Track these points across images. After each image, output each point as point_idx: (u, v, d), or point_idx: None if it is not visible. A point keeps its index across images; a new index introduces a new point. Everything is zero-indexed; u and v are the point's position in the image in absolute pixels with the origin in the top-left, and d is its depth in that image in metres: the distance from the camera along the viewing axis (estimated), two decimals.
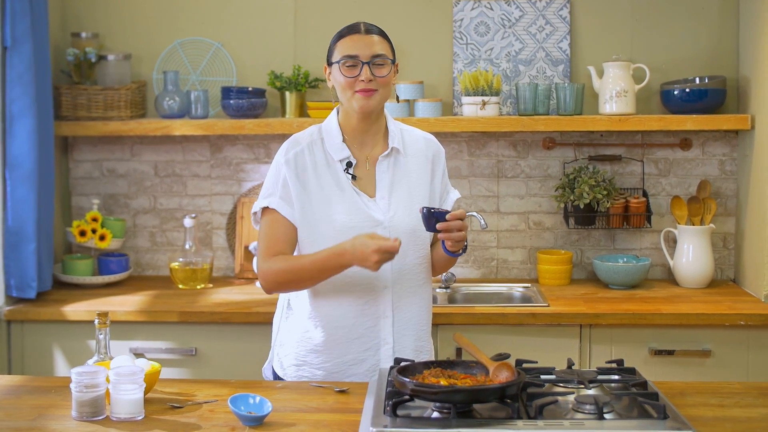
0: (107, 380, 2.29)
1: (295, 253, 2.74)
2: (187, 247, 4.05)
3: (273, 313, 2.92)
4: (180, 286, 4.03)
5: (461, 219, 2.57)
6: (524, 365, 2.47)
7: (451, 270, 3.80)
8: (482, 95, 3.96)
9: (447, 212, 2.56)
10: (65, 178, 4.27)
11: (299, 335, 2.75)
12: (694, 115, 3.91)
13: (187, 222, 4.05)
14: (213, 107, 4.20)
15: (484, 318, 3.56)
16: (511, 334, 3.56)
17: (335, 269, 2.60)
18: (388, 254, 2.51)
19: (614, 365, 2.52)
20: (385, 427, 2.09)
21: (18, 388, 2.57)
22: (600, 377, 2.42)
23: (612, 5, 4.13)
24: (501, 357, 2.39)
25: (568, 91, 3.97)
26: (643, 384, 2.36)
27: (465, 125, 3.95)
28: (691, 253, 3.95)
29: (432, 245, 2.81)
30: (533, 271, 4.20)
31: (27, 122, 3.70)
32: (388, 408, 2.18)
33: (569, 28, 4.12)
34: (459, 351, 3.46)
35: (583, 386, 2.33)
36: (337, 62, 2.66)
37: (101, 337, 2.48)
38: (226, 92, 4.06)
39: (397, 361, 2.46)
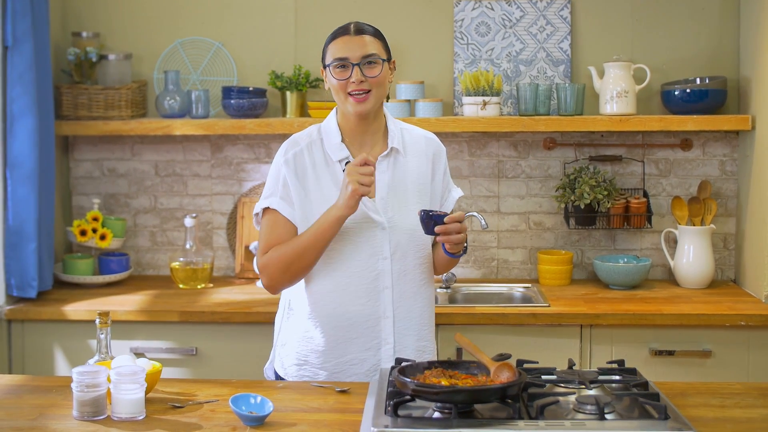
0: (108, 380, 2.29)
1: None
2: (187, 246, 4.05)
3: (274, 313, 2.93)
4: (180, 285, 4.03)
5: (460, 221, 2.56)
6: (525, 365, 2.46)
7: (452, 270, 3.80)
8: (483, 95, 3.96)
9: (445, 215, 2.56)
10: (66, 178, 4.27)
11: (300, 335, 2.75)
12: (695, 116, 3.91)
13: (188, 222, 4.05)
14: (214, 107, 4.20)
15: (485, 318, 3.56)
16: (512, 334, 3.56)
17: (329, 228, 2.58)
18: (359, 174, 2.51)
19: (615, 366, 2.52)
20: (386, 427, 2.09)
21: (19, 388, 2.57)
22: (601, 378, 2.42)
23: (613, 6, 4.13)
24: (502, 357, 2.39)
25: (569, 91, 3.97)
26: (644, 384, 2.36)
27: (466, 125, 3.95)
28: (692, 254, 3.95)
29: (433, 245, 2.81)
30: (534, 271, 4.20)
31: (28, 122, 3.70)
32: (389, 408, 2.18)
33: (570, 28, 4.12)
34: (460, 351, 3.46)
35: (584, 386, 2.33)
36: (329, 66, 2.66)
37: (102, 336, 2.48)
38: (227, 92, 4.06)
39: (399, 361, 2.47)
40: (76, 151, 4.29)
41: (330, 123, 2.77)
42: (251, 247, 4.10)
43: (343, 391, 2.49)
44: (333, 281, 2.67)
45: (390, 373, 2.42)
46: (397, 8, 4.17)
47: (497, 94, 3.98)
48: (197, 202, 4.28)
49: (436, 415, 2.19)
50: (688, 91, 3.96)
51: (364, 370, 2.70)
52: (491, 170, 4.20)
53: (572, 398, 2.26)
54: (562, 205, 4.13)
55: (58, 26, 4.17)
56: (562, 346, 3.55)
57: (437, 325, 3.45)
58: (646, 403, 2.21)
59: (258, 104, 4.04)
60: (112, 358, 2.47)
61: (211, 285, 4.06)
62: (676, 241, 4.05)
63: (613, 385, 2.39)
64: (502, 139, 4.19)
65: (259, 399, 2.29)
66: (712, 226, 3.98)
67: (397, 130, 2.78)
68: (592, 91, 4.07)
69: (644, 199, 4.07)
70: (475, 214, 3.73)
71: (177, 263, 4.03)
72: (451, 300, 3.94)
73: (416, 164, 2.77)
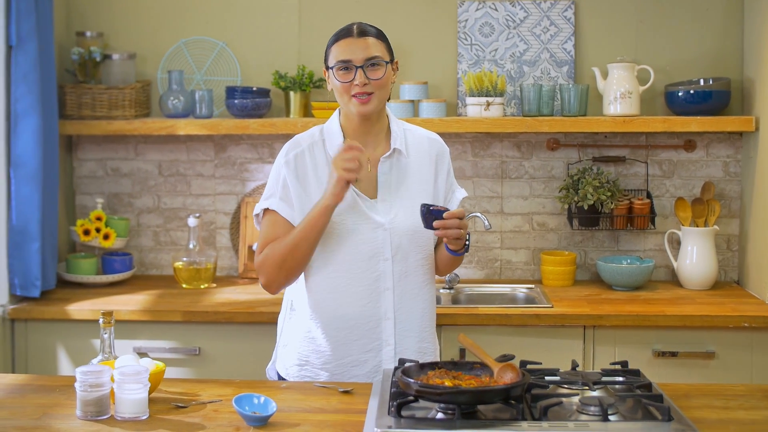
0: (112, 380, 2.29)
1: None
2: (190, 246, 4.05)
3: (277, 313, 2.93)
4: (184, 285, 4.03)
5: (460, 218, 2.56)
6: (528, 366, 2.46)
7: (455, 271, 3.80)
8: (486, 96, 3.96)
9: (445, 210, 2.55)
10: (69, 177, 4.28)
11: (302, 336, 2.75)
12: (699, 117, 3.91)
13: (191, 221, 4.05)
14: (217, 107, 4.20)
15: (488, 319, 3.56)
16: (515, 335, 3.56)
17: (318, 218, 2.58)
18: (343, 161, 2.51)
19: (618, 367, 2.52)
20: (390, 427, 2.09)
21: (22, 387, 2.57)
22: (604, 379, 2.42)
23: (616, 7, 4.13)
24: (505, 358, 2.39)
25: (573, 92, 3.97)
26: (648, 386, 2.36)
27: (469, 126, 3.95)
28: (695, 255, 3.94)
29: (436, 246, 2.81)
30: (537, 272, 4.20)
31: (32, 121, 3.71)
32: (392, 408, 2.18)
33: (574, 29, 4.12)
34: (463, 352, 3.43)
35: (587, 388, 2.33)
36: (332, 68, 2.66)
37: (106, 336, 2.48)
38: (231, 92, 4.06)
39: (402, 361, 2.47)
40: (80, 151, 4.29)
41: (333, 124, 2.77)
42: (254, 247, 4.10)
43: (346, 392, 2.49)
44: (334, 282, 2.67)
45: (393, 374, 2.42)
46: (400, 9, 4.17)
47: (501, 94, 3.98)
48: (200, 201, 4.28)
49: (440, 415, 2.19)
50: (691, 92, 3.96)
51: (365, 371, 2.69)
52: (494, 171, 4.20)
53: (576, 399, 2.26)
54: (566, 206, 4.13)
55: (62, 26, 4.17)
56: (565, 347, 3.55)
57: (440, 325, 3.45)
58: (650, 404, 2.21)
59: (261, 104, 4.04)
60: (115, 357, 2.47)
61: (214, 285, 4.06)
62: (679, 243, 4.05)
63: (617, 386, 2.39)
64: (506, 139, 4.19)
65: (262, 399, 2.29)
66: (716, 227, 3.98)
67: (400, 130, 2.78)
68: (596, 92, 4.07)
69: (648, 200, 4.07)
70: (478, 214, 3.75)
71: (180, 263, 4.03)
72: (455, 301, 3.94)
73: (419, 165, 2.77)
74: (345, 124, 2.75)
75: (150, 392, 2.35)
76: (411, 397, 2.20)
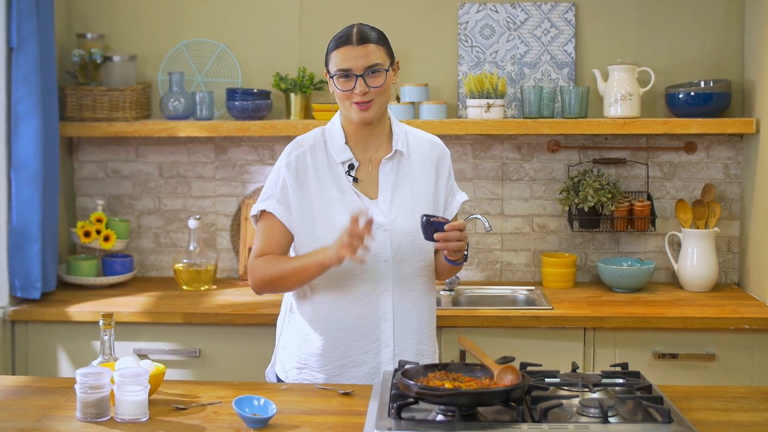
0: (112, 381, 2.29)
1: (292, 255, 2.75)
2: (191, 248, 4.05)
3: (277, 315, 2.93)
4: (184, 287, 4.03)
5: (460, 230, 2.56)
6: (529, 368, 2.46)
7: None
8: (487, 98, 3.96)
9: (446, 222, 2.55)
10: (70, 179, 4.28)
11: (300, 338, 2.75)
12: (699, 119, 3.91)
13: (192, 223, 4.05)
14: (218, 109, 4.21)
15: (488, 321, 3.56)
16: (515, 337, 3.56)
17: (316, 270, 2.60)
18: (357, 240, 2.47)
19: (619, 369, 2.52)
20: (389, 429, 2.09)
21: (22, 389, 2.57)
22: (604, 381, 2.42)
23: (617, 8, 4.13)
24: (505, 360, 2.39)
25: (573, 94, 3.97)
26: (648, 388, 2.35)
27: (470, 128, 3.95)
28: (696, 257, 3.94)
29: (435, 252, 2.81)
30: (537, 274, 4.20)
31: (32, 123, 3.71)
32: (392, 410, 2.18)
33: (574, 31, 4.12)
34: (463, 354, 3.46)
35: (587, 390, 2.33)
36: (332, 76, 2.66)
37: (106, 338, 2.48)
38: (231, 94, 4.06)
39: (402, 363, 2.47)
40: (81, 153, 4.30)
41: (334, 125, 2.77)
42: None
43: (346, 394, 2.49)
44: (333, 284, 2.67)
45: (393, 376, 2.42)
46: (401, 11, 4.17)
47: (501, 96, 3.98)
48: (201, 203, 4.29)
49: (440, 417, 2.19)
50: (692, 94, 3.96)
51: (363, 373, 2.69)
52: (495, 173, 4.20)
53: (576, 401, 2.26)
54: (566, 208, 4.13)
55: (63, 27, 4.17)
56: (565, 349, 3.54)
57: (441, 327, 3.45)
58: (650, 406, 2.21)
59: (262, 106, 4.04)
60: (115, 359, 2.47)
61: (215, 287, 4.06)
62: (680, 244, 4.04)
63: (617, 388, 2.39)
64: (506, 141, 4.19)
65: (262, 401, 2.29)
66: (716, 229, 3.98)
67: (401, 133, 2.78)
68: (596, 94, 4.07)
69: (648, 202, 4.07)
70: (478, 216, 3.75)
71: (180, 265, 4.03)
72: (455, 302, 3.94)
73: (420, 167, 2.77)
74: (346, 126, 2.75)
75: (150, 394, 2.34)
76: (411, 399, 2.20)
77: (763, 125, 3.83)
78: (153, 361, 2.51)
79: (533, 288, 4.02)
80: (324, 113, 3.96)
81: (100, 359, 2.48)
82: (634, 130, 3.93)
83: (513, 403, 2.15)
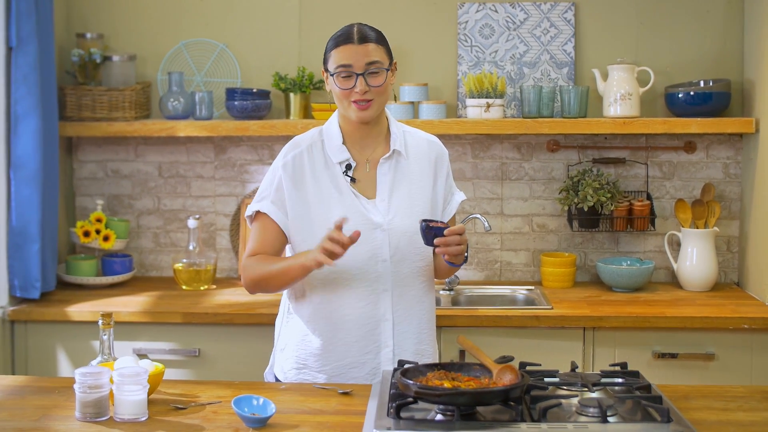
0: (111, 381, 2.29)
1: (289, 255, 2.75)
2: (190, 248, 4.05)
3: (276, 315, 2.93)
4: (183, 287, 4.03)
5: (460, 234, 2.56)
6: (528, 368, 2.46)
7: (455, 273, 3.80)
8: (486, 97, 3.96)
9: (445, 227, 2.55)
10: (69, 179, 4.28)
11: (299, 339, 2.75)
12: (699, 119, 3.91)
13: (191, 223, 4.05)
14: (217, 108, 4.21)
15: (488, 320, 3.56)
16: (515, 336, 3.56)
17: (298, 272, 2.60)
18: (332, 243, 2.46)
19: (618, 368, 2.52)
20: (389, 429, 2.09)
21: (22, 389, 2.57)
22: (604, 380, 2.42)
23: (617, 8, 4.13)
24: (505, 359, 2.39)
25: (573, 93, 3.97)
26: (647, 387, 2.36)
27: (469, 127, 3.95)
28: (695, 257, 3.94)
29: (434, 253, 2.81)
30: (537, 273, 4.20)
31: (32, 122, 3.71)
32: (391, 410, 2.18)
33: (574, 30, 4.12)
34: (462, 353, 3.46)
35: (586, 389, 2.33)
36: (332, 74, 2.66)
37: (105, 337, 2.48)
38: (231, 93, 4.06)
39: (401, 363, 2.46)
40: (80, 152, 4.30)
41: (332, 125, 2.77)
42: None
43: (345, 393, 2.49)
44: (332, 283, 2.67)
45: (392, 375, 2.42)
46: (401, 10, 4.17)
47: (501, 96, 3.98)
48: (200, 203, 4.29)
49: (439, 417, 2.19)
50: (691, 93, 3.96)
51: (363, 373, 2.69)
52: (494, 172, 4.20)
53: (575, 401, 2.26)
54: (566, 208, 4.13)
55: (63, 27, 4.17)
56: (565, 348, 3.54)
57: (440, 327, 3.45)
58: (649, 406, 2.21)
59: (262, 106, 4.04)
60: (114, 359, 2.47)
61: (214, 286, 4.06)
62: (679, 244, 4.04)
63: (616, 387, 2.39)
64: (506, 141, 4.19)
65: (261, 401, 2.29)
66: (716, 228, 3.98)
67: (399, 132, 2.78)
68: (596, 94, 4.07)
69: (648, 202, 4.06)
70: (478, 216, 3.75)
71: (180, 264, 4.03)
72: (454, 302, 3.94)
73: (418, 167, 2.77)
74: (344, 126, 2.75)
75: (149, 394, 2.35)
76: (410, 399, 2.20)
77: (762, 125, 3.83)
78: (152, 360, 2.51)
79: (533, 288, 4.02)
80: (323, 113, 3.95)
81: (99, 359, 2.48)
82: (633, 129, 3.93)
83: (512, 403, 2.15)
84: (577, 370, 2.48)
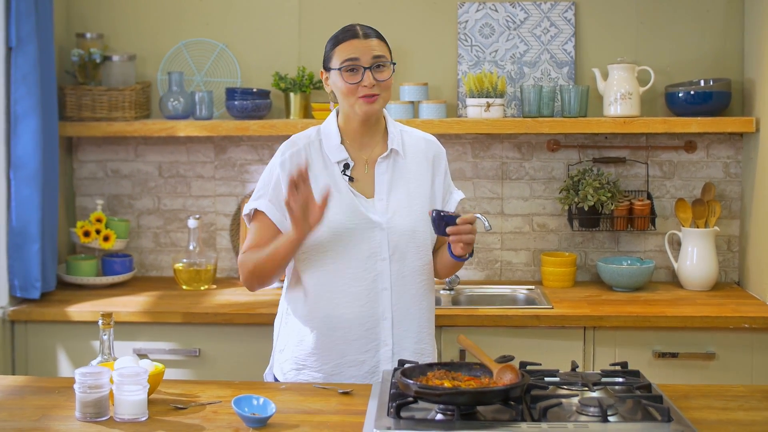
0: (111, 381, 2.29)
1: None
2: (190, 248, 4.05)
3: (276, 315, 2.92)
4: (184, 287, 4.03)
5: (471, 223, 2.56)
6: (528, 367, 2.46)
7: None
8: (487, 97, 3.96)
9: (457, 216, 2.56)
10: (69, 179, 4.28)
11: (298, 338, 2.74)
12: (699, 118, 3.91)
13: (191, 223, 4.05)
14: (217, 108, 4.20)
15: (488, 320, 3.56)
16: (515, 336, 3.56)
17: (287, 248, 2.59)
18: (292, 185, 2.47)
19: (618, 368, 2.51)
20: (389, 429, 2.09)
21: (22, 389, 2.57)
22: (604, 380, 2.42)
23: (617, 8, 4.13)
24: (505, 359, 2.38)
25: (573, 93, 3.97)
26: (648, 387, 2.35)
27: (469, 127, 3.95)
28: (696, 256, 3.94)
29: (437, 250, 2.80)
30: (537, 273, 4.20)
31: (32, 122, 3.71)
32: (391, 410, 2.17)
33: (574, 30, 4.12)
34: (463, 353, 3.46)
35: (587, 389, 2.33)
36: (338, 69, 2.65)
37: (105, 337, 2.48)
38: (231, 93, 4.06)
39: (401, 362, 2.46)
40: (80, 152, 4.29)
41: (330, 125, 2.76)
42: None
43: (345, 393, 2.49)
44: (331, 283, 2.67)
45: (393, 375, 2.41)
46: (401, 10, 4.17)
47: (501, 95, 3.98)
48: (201, 203, 4.28)
49: (439, 416, 2.19)
50: (692, 93, 3.96)
51: (362, 372, 2.69)
52: (495, 172, 4.20)
53: (575, 400, 2.26)
54: (566, 207, 4.13)
55: (62, 27, 4.17)
56: (565, 348, 3.54)
57: (440, 326, 3.45)
58: (650, 405, 2.21)
59: (262, 106, 4.04)
60: (114, 359, 2.47)
61: (215, 286, 4.06)
62: (679, 244, 4.04)
63: (617, 387, 2.39)
64: (506, 140, 4.19)
65: (261, 400, 2.29)
66: (716, 228, 3.98)
67: (396, 131, 2.78)
68: (596, 93, 4.06)
69: (648, 201, 4.06)
70: (478, 215, 3.72)
71: (180, 264, 4.03)
72: (455, 302, 3.94)
73: (416, 166, 2.77)
74: (343, 125, 2.75)
75: (149, 394, 2.34)
76: (410, 398, 2.19)
77: (762, 124, 3.83)
78: (152, 360, 2.50)
79: (533, 287, 4.02)
80: (324, 112, 3.95)
81: (99, 359, 2.48)
82: (633, 129, 3.92)
83: (512, 403, 2.15)
84: (577, 370, 2.48)
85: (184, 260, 4.03)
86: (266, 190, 2.72)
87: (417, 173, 2.76)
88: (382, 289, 2.68)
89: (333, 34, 2.70)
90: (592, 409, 2.18)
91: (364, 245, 2.65)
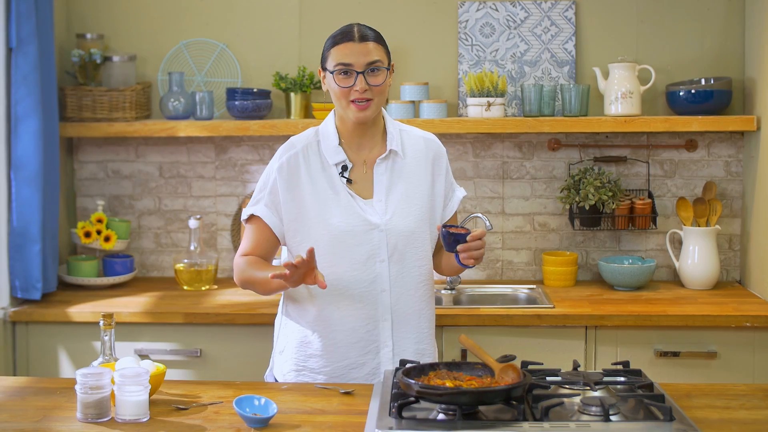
0: (112, 382, 2.29)
1: (287, 255, 2.75)
2: (191, 248, 4.05)
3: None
4: (185, 287, 4.03)
5: (481, 238, 2.56)
6: (530, 367, 2.46)
7: None
8: (487, 96, 3.95)
9: (467, 233, 2.55)
10: (70, 179, 4.28)
11: (298, 341, 2.74)
12: (700, 117, 3.91)
13: (192, 223, 4.05)
14: (218, 108, 4.20)
15: (490, 319, 3.55)
16: (517, 335, 3.56)
17: (276, 286, 2.59)
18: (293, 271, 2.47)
19: (620, 367, 2.51)
20: (390, 428, 2.09)
21: (23, 390, 2.57)
22: (606, 379, 2.42)
23: (617, 6, 4.12)
24: (506, 358, 2.38)
25: (574, 92, 3.96)
26: (649, 386, 2.35)
27: (470, 126, 3.95)
28: (697, 255, 3.94)
29: (440, 248, 2.80)
30: (538, 272, 4.20)
31: (32, 123, 3.71)
32: (393, 409, 2.17)
33: (574, 29, 4.12)
34: (464, 352, 3.46)
35: (588, 388, 2.33)
36: (332, 72, 2.65)
37: (106, 338, 2.48)
38: (231, 93, 4.06)
39: (403, 362, 2.46)
40: (81, 153, 4.29)
41: (328, 126, 2.76)
42: None
43: (347, 393, 2.49)
44: (330, 285, 2.66)
45: (394, 375, 2.41)
46: (401, 9, 4.16)
47: (502, 95, 3.97)
48: (201, 203, 4.28)
49: (441, 416, 2.19)
50: (693, 91, 3.95)
51: (363, 373, 2.69)
52: (495, 171, 4.19)
53: (577, 400, 2.26)
54: (567, 206, 4.13)
55: (63, 28, 4.17)
56: (566, 347, 3.54)
57: (442, 326, 3.45)
58: (651, 404, 2.21)
59: (262, 106, 4.04)
60: (116, 359, 2.47)
61: (216, 286, 4.06)
62: (681, 242, 4.04)
63: (618, 386, 2.39)
64: (507, 140, 4.19)
65: (263, 401, 2.29)
66: (717, 227, 3.98)
67: (396, 131, 2.77)
68: (597, 92, 4.06)
69: (649, 200, 4.06)
70: (479, 215, 3.72)
71: (181, 265, 4.03)
72: (456, 301, 3.94)
73: (415, 166, 2.76)
74: (340, 127, 2.75)
75: (151, 394, 2.34)
76: (412, 398, 2.19)
77: (764, 123, 3.82)
78: (154, 361, 2.50)
79: (534, 286, 4.01)
80: (324, 112, 3.95)
81: (100, 359, 2.48)
82: (634, 128, 3.92)
83: (514, 402, 2.15)
84: (579, 369, 2.48)
85: (185, 261, 4.03)
86: (263, 194, 2.72)
87: (416, 173, 2.75)
88: (381, 290, 2.67)
89: (332, 33, 2.69)
90: (594, 408, 2.18)
91: (363, 247, 2.65)
